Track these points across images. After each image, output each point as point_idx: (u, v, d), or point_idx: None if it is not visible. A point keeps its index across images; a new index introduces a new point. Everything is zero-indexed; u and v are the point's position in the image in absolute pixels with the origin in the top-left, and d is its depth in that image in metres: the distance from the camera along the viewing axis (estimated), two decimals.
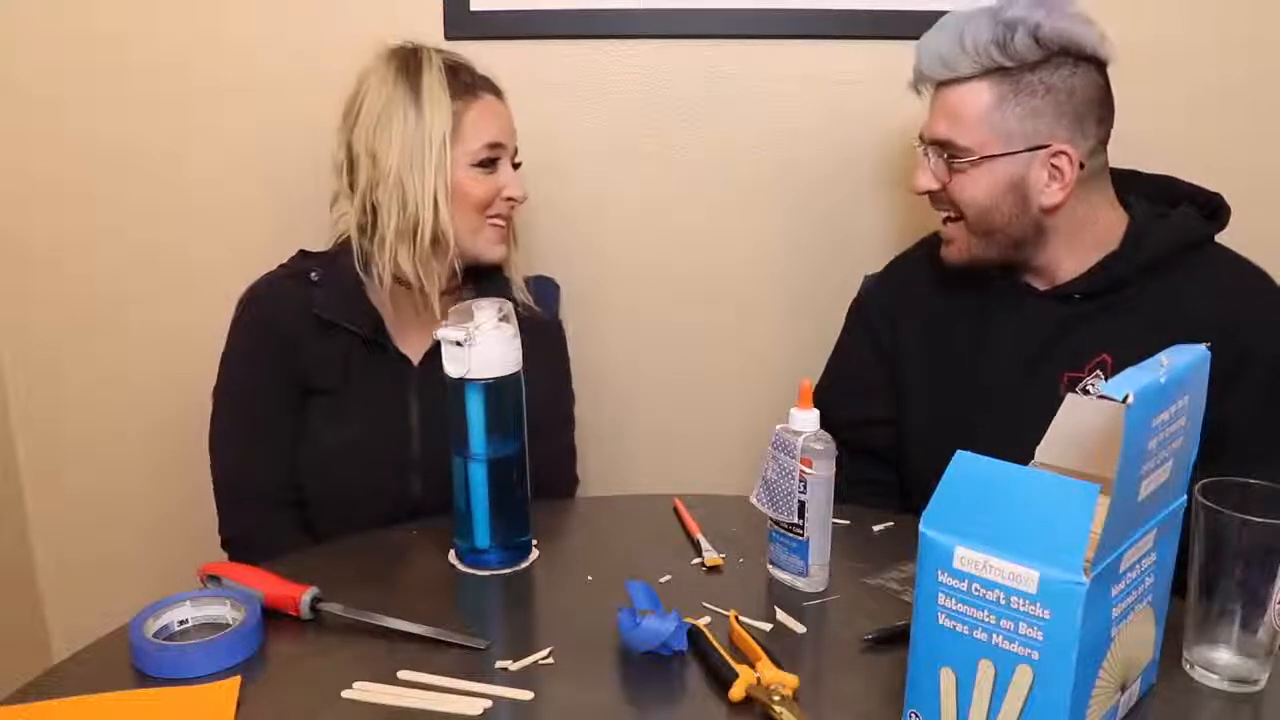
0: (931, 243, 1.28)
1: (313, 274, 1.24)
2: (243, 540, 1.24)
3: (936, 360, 1.25)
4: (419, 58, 1.20)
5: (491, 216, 1.24)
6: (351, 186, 1.22)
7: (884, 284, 1.36)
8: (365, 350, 1.23)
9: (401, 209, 1.18)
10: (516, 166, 1.27)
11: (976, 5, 1.12)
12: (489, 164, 1.22)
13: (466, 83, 1.21)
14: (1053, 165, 1.11)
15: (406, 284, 1.23)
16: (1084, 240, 1.16)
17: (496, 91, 1.25)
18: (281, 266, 1.28)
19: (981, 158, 1.12)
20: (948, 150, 1.14)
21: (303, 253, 1.29)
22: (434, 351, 1.23)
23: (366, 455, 1.22)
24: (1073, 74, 1.10)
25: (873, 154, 1.51)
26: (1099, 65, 1.12)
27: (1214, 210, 1.16)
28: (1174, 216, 1.15)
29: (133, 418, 1.63)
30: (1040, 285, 1.20)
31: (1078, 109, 1.10)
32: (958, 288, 1.24)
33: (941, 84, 1.14)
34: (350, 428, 1.22)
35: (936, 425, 1.23)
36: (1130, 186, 1.20)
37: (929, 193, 1.18)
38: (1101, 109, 1.13)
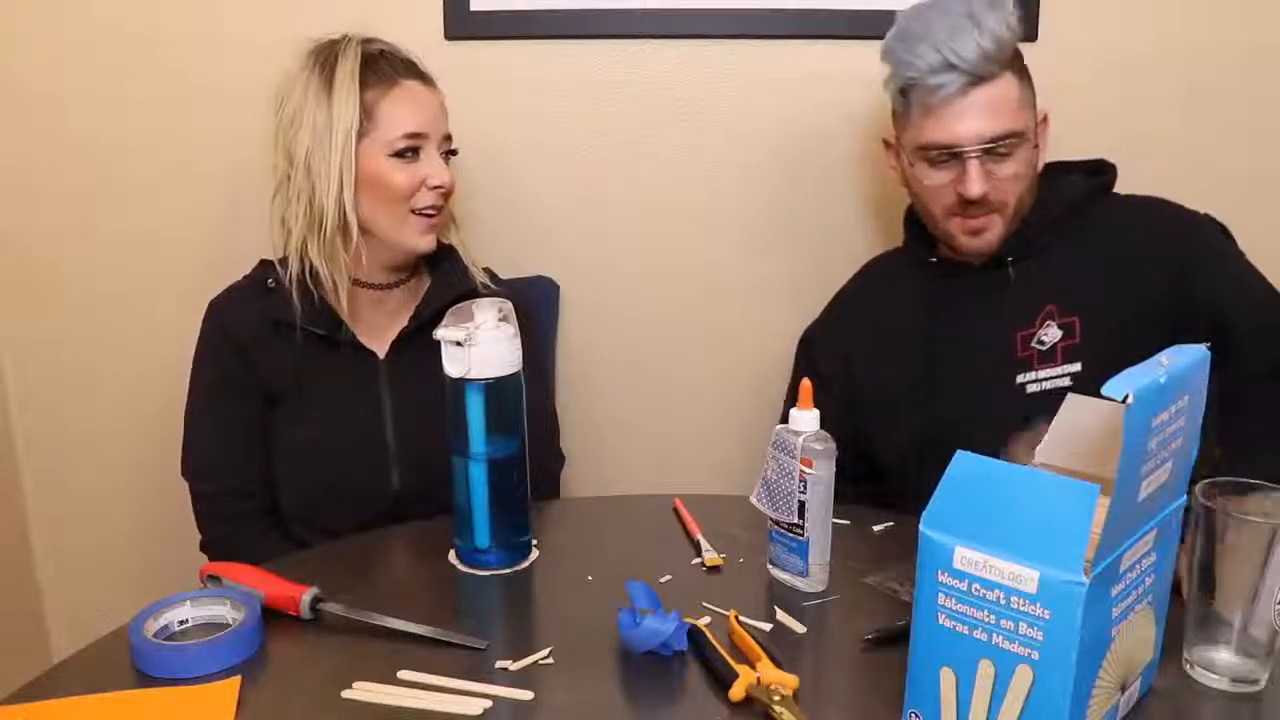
0: (866, 272, 1.37)
1: (269, 280, 1.23)
2: (220, 545, 1.24)
3: (900, 373, 1.26)
4: (335, 50, 1.19)
5: (418, 209, 1.21)
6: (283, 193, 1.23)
7: (828, 327, 1.38)
8: (328, 349, 1.23)
9: (310, 201, 1.18)
10: (454, 155, 1.25)
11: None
12: (409, 153, 1.19)
13: (385, 71, 1.19)
14: (1040, 124, 1.21)
15: (358, 281, 1.23)
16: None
17: (422, 77, 1.22)
18: (245, 277, 1.28)
19: (1030, 133, 1.17)
20: (1004, 143, 1.15)
21: (263, 262, 1.29)
22: (400, 343, 1.25)
23: (341, 452, 1.22)
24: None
25: (874, 154, 1.51)
26: None
27: (1101, 171, 1.26)
28: (1072, 178, 1.26)
29: (133, 417, 1.63)
30: (975, 260, 1.24)
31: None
32: (900, 298, 1.29)
33: (972, 84, 1.13)
34: (321, 427, 1.22)
35: (917, 429, 1.24)
36: None
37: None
38: None
